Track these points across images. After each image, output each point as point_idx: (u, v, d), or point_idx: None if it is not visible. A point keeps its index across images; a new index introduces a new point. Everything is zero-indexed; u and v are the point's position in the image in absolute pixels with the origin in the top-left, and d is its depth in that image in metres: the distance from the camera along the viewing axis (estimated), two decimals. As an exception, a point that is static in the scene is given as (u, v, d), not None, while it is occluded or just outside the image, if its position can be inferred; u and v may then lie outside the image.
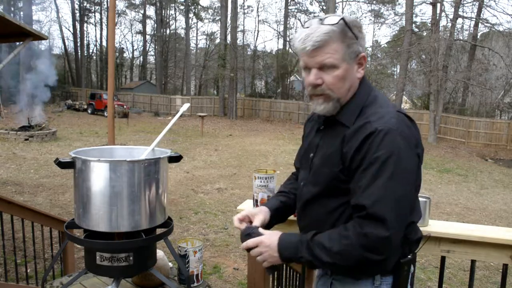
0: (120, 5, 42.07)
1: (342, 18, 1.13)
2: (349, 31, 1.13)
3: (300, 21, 35.30)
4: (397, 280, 1.20)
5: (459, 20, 23.71)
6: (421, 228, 1.70)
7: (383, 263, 1.11)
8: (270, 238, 1.21)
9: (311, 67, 1.16)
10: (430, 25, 20.98)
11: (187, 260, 1.60)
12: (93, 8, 42.07)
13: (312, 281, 1.88)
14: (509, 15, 40.71)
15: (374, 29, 48.69)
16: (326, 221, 1.22)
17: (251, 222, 1.33)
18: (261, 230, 1.26)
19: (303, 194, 1.30)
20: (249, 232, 1.24)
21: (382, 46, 34.43)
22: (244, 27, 43.61)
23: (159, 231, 1.48)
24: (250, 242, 1.23)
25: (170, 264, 1.77)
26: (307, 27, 1.15)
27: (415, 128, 1.17)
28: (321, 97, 1.19)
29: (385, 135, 1.08)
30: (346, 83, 1.18)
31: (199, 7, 41.06)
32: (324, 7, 31.03)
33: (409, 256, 1.22)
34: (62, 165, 1.33)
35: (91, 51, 44.10)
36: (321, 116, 1.27)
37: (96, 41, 45.17)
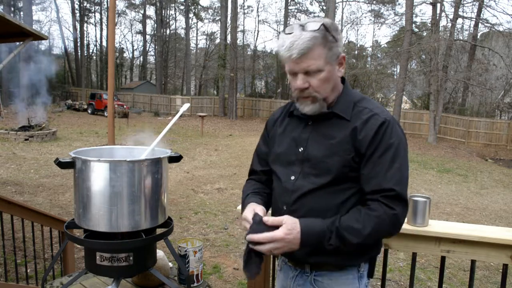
0: (120, 5, 42.17)
1: (323, 24, 1.20)
2: (329, 35, 1.20)
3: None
4: (372, 266, 1.38)
5: (459, 20, 23.73)
6: (421, 228, 1.71)
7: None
8: (293, 221, 1.17)
9: (297, 72, 1.23)
10: (430, 25, 20.98)
11: (187, 260, 1.60)
12: (93, 8, 42.12)
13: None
14: (509, 15, 40.84)
15: (374, 29, 48.76)
16: (334, 210, 1.24)
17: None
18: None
19: (300, 186, 1.29)
20: (259, 219, 1.18)
21: (382, 46, 34.43)
22: (244, 27, 43.71)
23: (159, 231, 1.48)
24: (271, 219, 1.16)
25: (170, 264, 1.77)
26: (289, 33, 1.20)
27: None
28: (308, 99, 1.27)
29: (393, 125, 1.24)
30: (331, 84, 1.27)
31: (199, 7, 41.13)
32: (324, 7, 31.04)
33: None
34: (62, 165, 1.33)
35: (91, 51, 44.17)
36: (304, 113, 1.32)
37: (96, 41, 45.27)
